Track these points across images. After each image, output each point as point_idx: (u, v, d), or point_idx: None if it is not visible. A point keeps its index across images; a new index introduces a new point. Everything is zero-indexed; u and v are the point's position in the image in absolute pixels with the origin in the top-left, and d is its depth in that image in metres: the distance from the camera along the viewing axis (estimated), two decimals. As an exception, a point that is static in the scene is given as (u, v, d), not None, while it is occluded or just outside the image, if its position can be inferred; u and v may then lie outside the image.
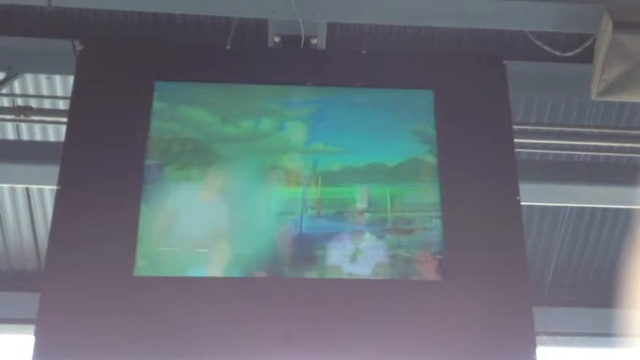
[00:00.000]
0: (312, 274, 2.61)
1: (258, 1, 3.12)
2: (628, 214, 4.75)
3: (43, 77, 4.12)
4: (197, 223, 2.69)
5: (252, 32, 3.61)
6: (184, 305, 2.48)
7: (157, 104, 2.84)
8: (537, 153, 4.28)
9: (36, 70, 3.93)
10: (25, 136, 4.43)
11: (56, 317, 2.43)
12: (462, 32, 3.72)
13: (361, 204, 2.75)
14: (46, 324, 2.42)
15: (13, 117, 3.89)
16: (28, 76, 4.10)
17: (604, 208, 4.67)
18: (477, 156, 2.81)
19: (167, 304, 2.47)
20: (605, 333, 4.86)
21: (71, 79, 2.98)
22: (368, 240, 2.69)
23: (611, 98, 3.23)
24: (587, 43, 3.35)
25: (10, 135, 4.40)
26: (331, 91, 2.93)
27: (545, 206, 4.61)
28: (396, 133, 2.87)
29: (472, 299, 2.54)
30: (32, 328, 2.42)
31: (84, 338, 2.41)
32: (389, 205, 2.76)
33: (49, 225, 2.66)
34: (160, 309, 2.45)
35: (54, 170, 2.70)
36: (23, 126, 4.34)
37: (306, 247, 2.66)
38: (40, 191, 4.65)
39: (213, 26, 3.68)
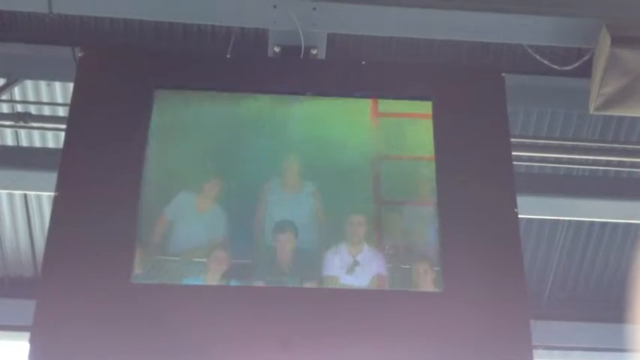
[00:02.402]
0: (310, 284, 2.60)
1: (258, 11, 3.13)
2: (626, 228, 4.75)
3: (43, 84, 4.13)
4: (195, 232, 2.69)
5: (252, 42, 3.62)
6: (181, 313, 2.47)
7: (156, 112, 2.84)
8: (535, 166, 4.29)
9: (36, 76, 3.94)
10: (24, 143, 4.43)
11: (52, 324, 2.42)
12: (462, 44, 3.73)
13: (360, 215, 2.75)
14: (41, 331, 2.41)
15: (12, 123, 3.90)
16: (29, 83, 4.11)
17: (602, 222, 4.67)
18: (475, 168, 2.80)
19: (164, 312, 2.46)
20: (603, 347, 4.85)
21: (71, 86, 2.98)
22: (366, 251, 2.69)
23: (609, 112, 3.24)
24: (586, 57, 3.36)
25: (9, 141, 4.40)
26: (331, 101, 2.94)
27: (543, 219, 4.60)
28: None
29: (470, 311, 2.53)
30: (28, 334, 2.41)
31: (79, 345, 2.40)
32: (387, 217, 2.76)
33: (46, 232, 2.65)
34: (156, 316, 2.44)
35: (52, 177, 2.70)
36: (22, 132, 4.34)
37: (305, 257, 2.65)
38: (38, 198, 4.65)
39: (214, 35, 3.69)
